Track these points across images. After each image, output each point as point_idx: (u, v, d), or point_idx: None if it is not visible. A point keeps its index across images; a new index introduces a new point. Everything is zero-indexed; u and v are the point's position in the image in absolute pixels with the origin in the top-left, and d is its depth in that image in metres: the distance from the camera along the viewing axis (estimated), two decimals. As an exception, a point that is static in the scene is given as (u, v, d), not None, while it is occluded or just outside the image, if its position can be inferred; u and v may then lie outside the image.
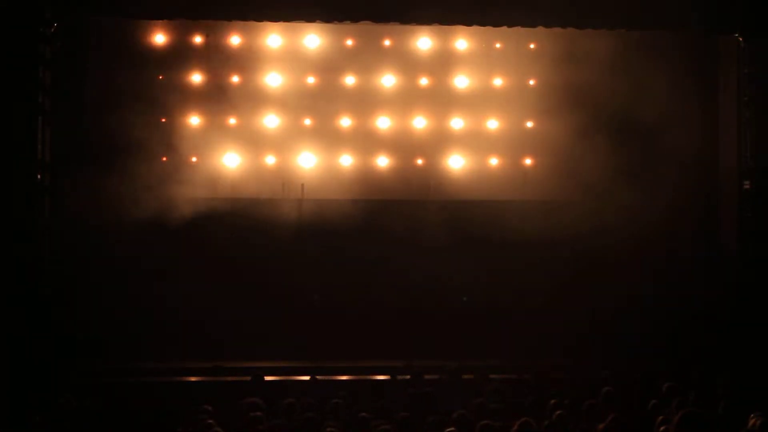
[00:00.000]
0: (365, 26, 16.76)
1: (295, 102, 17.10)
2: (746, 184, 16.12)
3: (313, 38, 17.17)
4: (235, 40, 17.12)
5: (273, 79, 17.12)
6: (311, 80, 17.19)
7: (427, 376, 13.10)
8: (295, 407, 10.61)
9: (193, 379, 14.63)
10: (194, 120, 16.98)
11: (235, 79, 17.08)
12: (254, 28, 16.95)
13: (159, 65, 16.84)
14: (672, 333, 16.16)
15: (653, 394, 11.11)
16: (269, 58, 17.13)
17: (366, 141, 17.35)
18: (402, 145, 17.43)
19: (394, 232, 16.53)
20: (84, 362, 14.66)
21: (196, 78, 17.01)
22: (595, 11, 15.46)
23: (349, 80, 17.31)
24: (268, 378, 13.54)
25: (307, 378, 13.81)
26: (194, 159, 16.94)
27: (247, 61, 17.10)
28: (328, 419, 10.03)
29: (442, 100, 17.47)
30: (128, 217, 15.90)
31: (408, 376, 13.17)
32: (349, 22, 16.31)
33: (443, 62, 17.50)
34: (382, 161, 17.36)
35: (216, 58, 17.01)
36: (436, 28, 16.89)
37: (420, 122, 17.44)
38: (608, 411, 9.78)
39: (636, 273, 16.58)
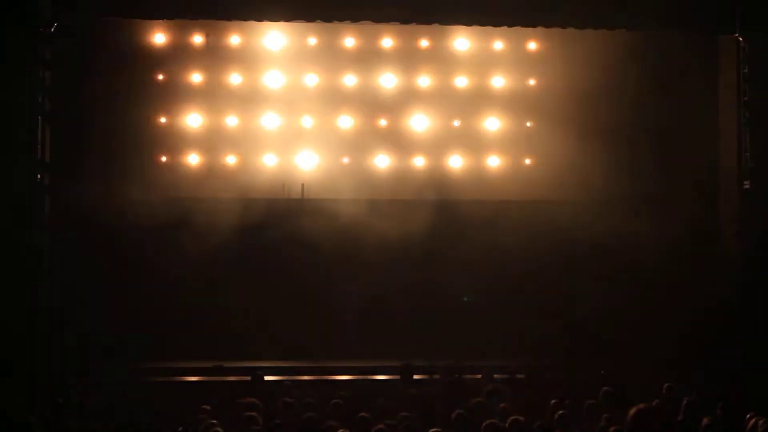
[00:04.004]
0: (366, 26, 16.82)
1: (296, 102, 17.11)
2: (746, 184, 16.13)
3: (312, 38, 17.18)
4: (234, 39, 17.11)
5: (273, 79, 17.11)
6: (312, 80, 17.17)
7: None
8: (294, 407, 10.61)
9: (193, 379, 14.63)
10: (194, 120, 16.97)
11: (235, 78, 17.07)
12: (254, 28, 16.94)
13: (159, 65, 16.84)
14: (672, 333, 16.14)
15: (653, 394, 11.10)
16: (269, 58, 17.13)
17: (366, 141, 17.35)
18: (403, 145, 17.43)
19: (394, 232, 16.53)
20: (84, 362, 14.64)
21: (196, 78, 17.00)
22: (596, 11, 15.47)
23: (350, 80, 17.29)
24: (268, 378, 13.54)
25: (308, 378, 13.83)
26: (195, 159, 16.93)
27: (248, 60, 17.09)
28: (329, 419, 10.02)
29: (442, 100, 17.46)
30: (128, 217, 15.90)
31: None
32: (349, 21, 16.37)
33: (443, 62, 17.49)
34: (383, 161, 17.36)
35: (216, 58, 17.00)
36: (436, 28, 16.89)
37: (420, 122, 17.42)
38: (608, 411, 9.78)
39: (636, 273, 16.57)
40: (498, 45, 17.60)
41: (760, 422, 8.76)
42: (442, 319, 16.51)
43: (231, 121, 17.01)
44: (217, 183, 16.88)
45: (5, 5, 14.23)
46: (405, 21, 16.23)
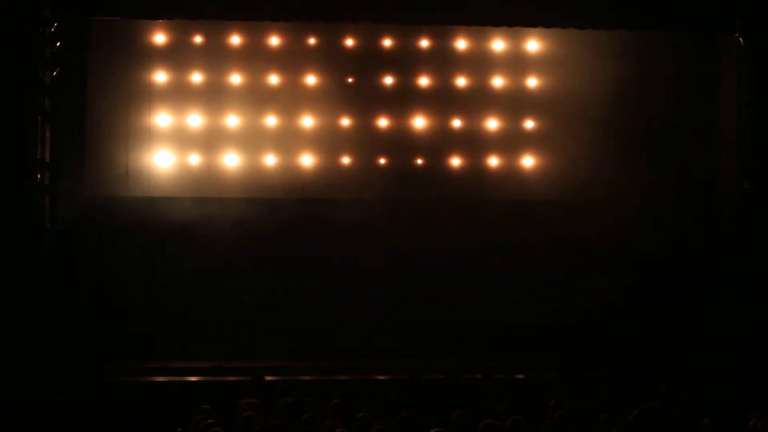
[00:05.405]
0: (366, 26, 16.85)
1: (296, 101, 17.11)
2: (746, 184, 16.13)
3: (312, 38, 17.19)
4: (234, 39, 17.10)
5: (273, 79, 17.12)
6: (312, 80, 17.18)
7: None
8: (294, 407, 10.60)
9: (193, 379, 14.62)
10: (195, 119, 16.96)
11: (235, 78, 17.07)
12: (254, 28, 16.94)
13: (159, 65, 16.84)
14: (672, 333, 16.15)
15: (652, 394, 11.11)
16: (269, 58, 17.13)
17: (366, 141, 17.34)
18: (402, 145, 17.43)
19: (394, 232, 16.55)
20: (84, 362, 14.64)
21: (196, 77, 17.00)
22: (595, 11, 15.47)
23: (349, 80, 17.30)
24: (268, 378, 13.53)
25: (308, 378, 13.83)
26: (195, 158, 16.94)
27: (247, 60, 17.09)
28: (329, 419, 10.02)
29: (442, 100, 17.46)
30: (128, 217, 15.93)
31: None
32: (349, 22, 16.38)
33: (443, 62, 17.48)
34: (382, 161, 17.37)
35: (216, 58, 16.99)
36: (436, 28, 16.90)
37: (420, 122, 17.43)
38: (607, 411, 9.78)
39: (635, 273, 16.57)
40: (498, 45, 17.61)
41: (761, 423, 8.77)
42: (442, 319, 16.50)
43: (231, 121, 17.01)
44: (218, 182, 16.88)
45: (5, 5, 14.22)
46: (405, 21, 16.24)
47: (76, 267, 15.64)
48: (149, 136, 16.76)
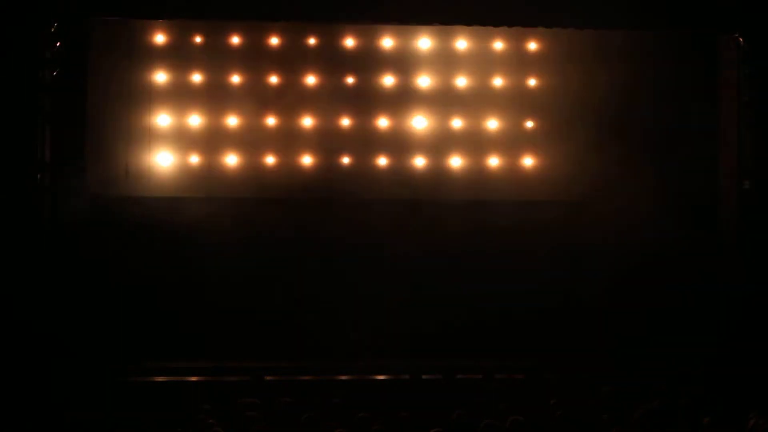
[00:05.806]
0: (366, 26, 16.85)
1: (296, 101, 17.11)
2: (746, 184, 16.14)
3: (312, 39, 17.20)
4: (234, 39, 17.10)
5: (273, 79, 17.13)
6: (312, 80, 17.19)
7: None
8: (294, 407, 10.62)
9: (193, 379, 14.63)
10: (195, 119, 16.96)
11: (235, 78, 17.07)
12: (254, 28, 16.94)
13: (159, 64, 16.84)
14: (670, 333, 16.16)
15: (652, 393, 11.12)
16: (269, 58, 17.13)
17: (366, 141, 17.35)
18: (402, 145, 17.42)
19: (394, 232, 16.55)
20: (83, 362, 14.64)
21: (197, 77, 16.99)
22: (596, 11, 15.48)
23: (350, 80, 17.30)
24: (268, 378, 13.54)
25: (307, 378, 13.83)
26: (195, 158, 16.93)
27: (247, 60, 17.09)
28: (329, 419, 10.03)
29: (442, 100, 17.45)
30: (128, 217, 15.93)
31: None
32: (349, 22, 16.38)
33: (443, 62, 17.48)
34: (382, 161, 17.36)
35: (216, 58, 16.99)
36: (436, 27, 16.92)
37: (420, 122, 17.43)
38: (608, 411, 9.79)
39: (634, 273, 16.57)
40: (498, 45, 17.62)
41: (761, 422, 8.77)
42: (442, 319, 16.51)
43: (231, 121, 17.01)
44: (218, 182, 16.89)
45: (5, 5, 14.22)
46: (405, 21, 16.25)
47: (76, 267, 15.63)
48: (149, 136, 16.75)
